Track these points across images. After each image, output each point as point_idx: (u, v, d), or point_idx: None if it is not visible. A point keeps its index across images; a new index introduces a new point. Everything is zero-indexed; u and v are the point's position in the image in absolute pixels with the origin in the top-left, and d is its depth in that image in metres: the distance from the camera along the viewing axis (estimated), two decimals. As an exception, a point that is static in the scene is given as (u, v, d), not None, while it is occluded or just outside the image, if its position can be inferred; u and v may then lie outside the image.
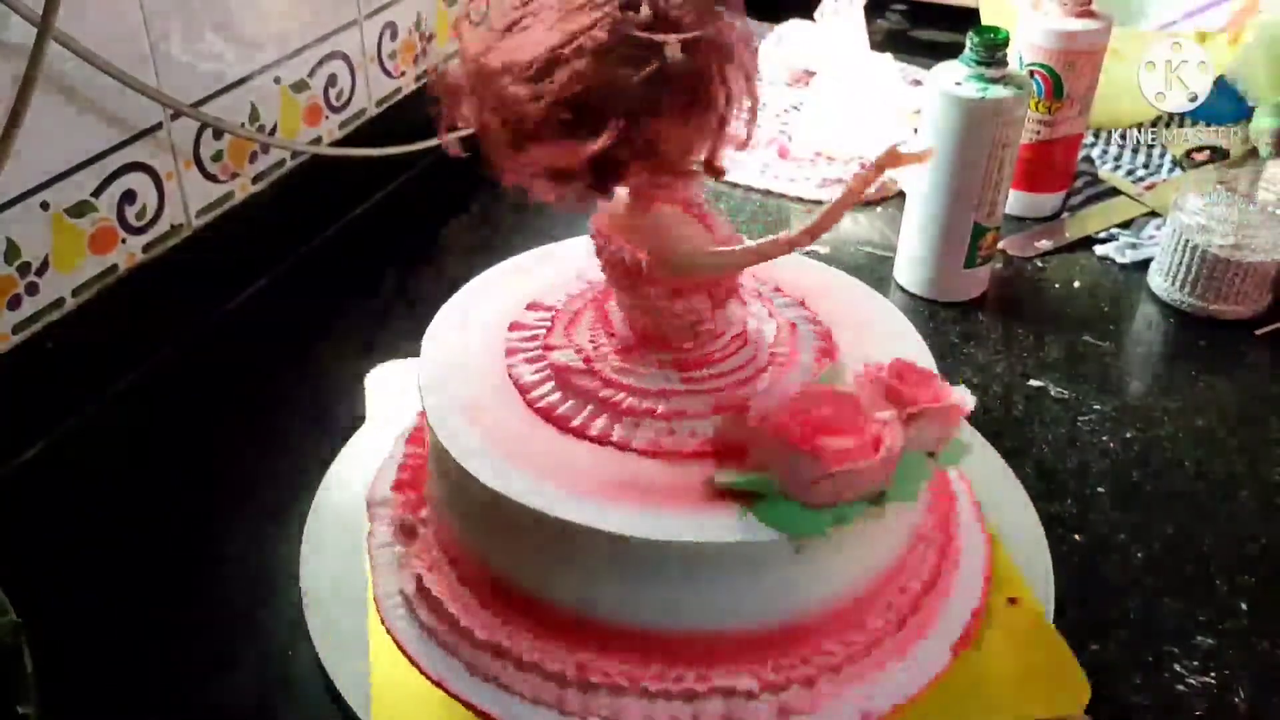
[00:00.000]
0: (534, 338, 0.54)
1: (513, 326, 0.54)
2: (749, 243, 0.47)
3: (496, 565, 0.49)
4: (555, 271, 0.58)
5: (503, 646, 0.48)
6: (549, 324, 0.54)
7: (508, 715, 0.47)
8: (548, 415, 0.49)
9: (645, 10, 0.40)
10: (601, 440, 0.48)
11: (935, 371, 0.47)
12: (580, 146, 0.40)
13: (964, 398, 0.46)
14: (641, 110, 0.40)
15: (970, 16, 0.98)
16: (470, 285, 0.59)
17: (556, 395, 0.50)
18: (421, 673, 0.49)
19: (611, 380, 0.50)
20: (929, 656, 0.49)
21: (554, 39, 0.40)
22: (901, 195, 0.90)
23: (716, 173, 0.45)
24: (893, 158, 0.43)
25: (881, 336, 0.54)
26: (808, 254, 0.63)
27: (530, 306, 0.56)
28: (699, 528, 0.44)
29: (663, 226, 0.47)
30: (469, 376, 0.52)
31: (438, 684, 0.48)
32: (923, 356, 0.52)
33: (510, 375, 0.52)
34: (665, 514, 0.44)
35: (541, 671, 0.47)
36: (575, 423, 0.49)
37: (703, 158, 0.44)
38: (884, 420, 0.43)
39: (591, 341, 0.53)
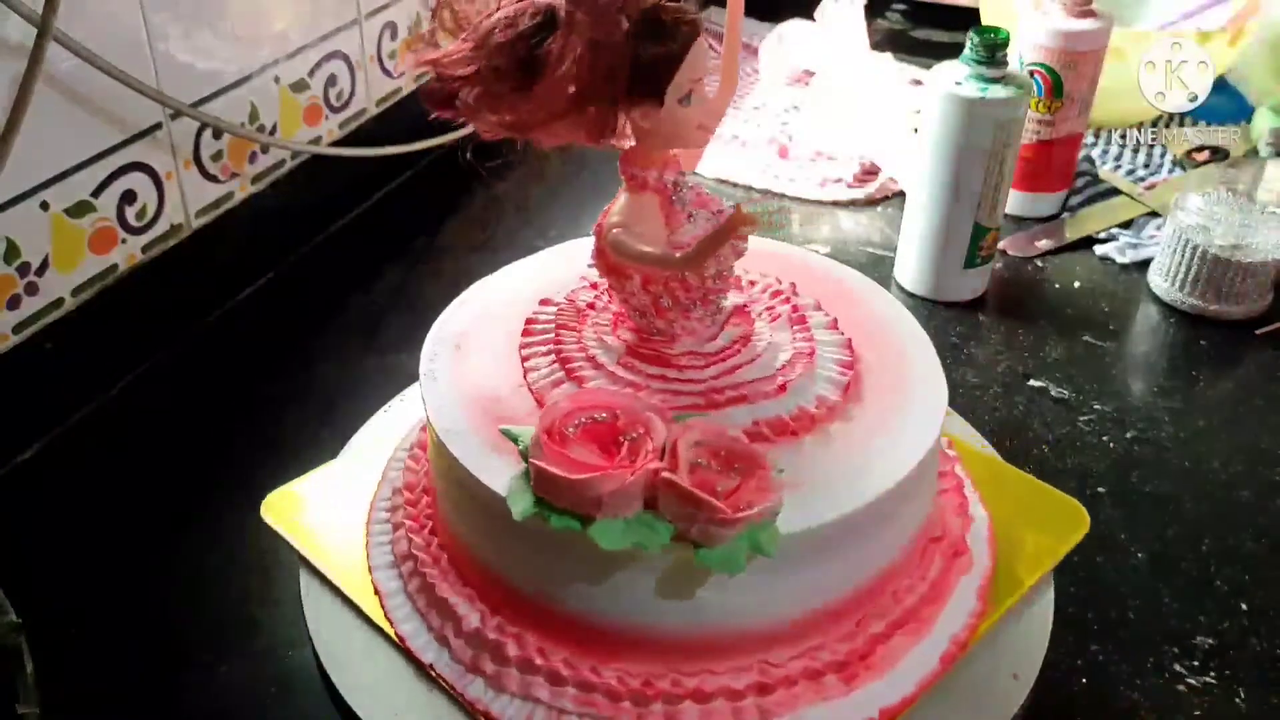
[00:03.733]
0: (549, 324, 0.54)
1: (528, 322, 0.55)
2: (647, 247, 0.47)
3: (496, 563, 0.49)
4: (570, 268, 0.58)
5: (503, 646, 0.48)
6: (563, 313, 0.55)
7: (508, 715, 0.47)
8: (521, 351, 0.51)
9: None
10: (534, 392, 0.49)
11: (777, 483, 0.43)
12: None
13: (752, 512, 0.42)
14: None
15: (970, 16, 0.98)
16: (483, 281, 0.59)
17: (544, 330, 0.52)
18: (421, 671, 0.49)
19: (581, 334, 0.52)
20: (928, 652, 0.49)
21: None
22: (902, 195, 0.90)
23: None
24: (741, 219, 0.44)
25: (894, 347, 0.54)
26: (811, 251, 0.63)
27: (543, 302, 0.56)
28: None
29: (626, 206, 0.48)
30: (472, 372, 0.52)
31: (438, 682, 0.48)
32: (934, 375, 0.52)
33: (520, 359, 0.53)
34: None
35: (544, 672, 0.47)
36: (529, 364, 0.50)
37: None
38: (640, 467, 0.42)
39: (597, 301, 0.54)
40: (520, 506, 0.43)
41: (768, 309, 0.55)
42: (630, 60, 0.43)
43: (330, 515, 0.57)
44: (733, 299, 0.54)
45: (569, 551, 0.45)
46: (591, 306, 0.55)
